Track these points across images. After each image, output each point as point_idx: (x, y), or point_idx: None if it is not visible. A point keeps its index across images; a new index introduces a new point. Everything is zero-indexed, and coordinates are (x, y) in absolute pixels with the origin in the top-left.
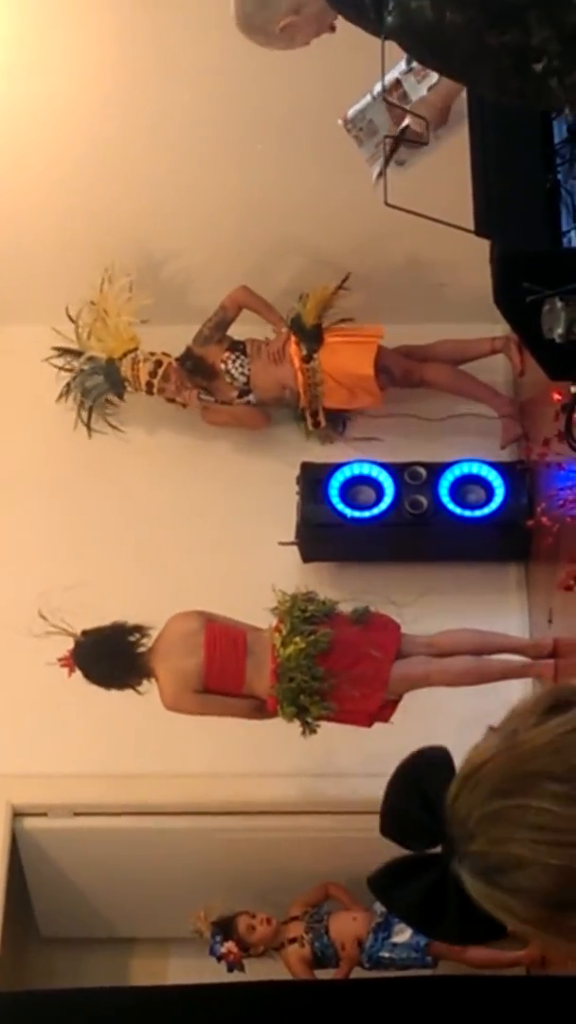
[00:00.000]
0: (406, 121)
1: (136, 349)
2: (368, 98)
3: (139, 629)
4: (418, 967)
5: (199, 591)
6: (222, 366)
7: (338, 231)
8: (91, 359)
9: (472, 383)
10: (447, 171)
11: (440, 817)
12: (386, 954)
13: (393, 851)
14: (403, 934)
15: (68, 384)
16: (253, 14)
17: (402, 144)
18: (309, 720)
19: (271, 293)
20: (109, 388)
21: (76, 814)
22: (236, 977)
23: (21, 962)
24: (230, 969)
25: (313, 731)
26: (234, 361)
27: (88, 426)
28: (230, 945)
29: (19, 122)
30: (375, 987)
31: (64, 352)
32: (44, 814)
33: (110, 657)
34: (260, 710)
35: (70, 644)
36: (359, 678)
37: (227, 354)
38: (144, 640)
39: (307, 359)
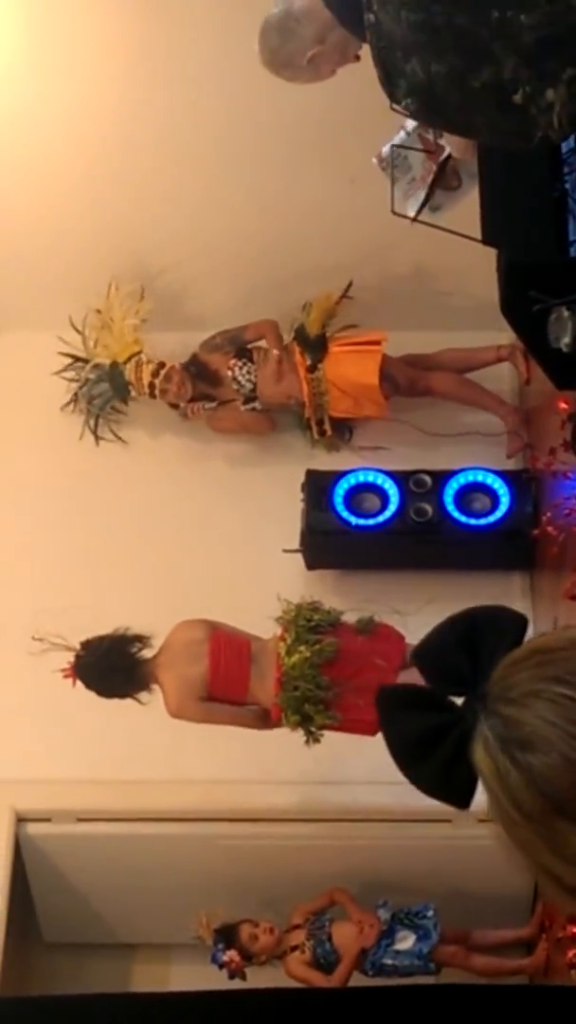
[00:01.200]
0: (447, 151)
1: (140, 352)
2: (402, 134)
3: (140, 639)
4: (421, 974)
5: (203, 598)
6: (228, 372)
7: (343, 240)
8: (96, 366)
9: (478, 392)
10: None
11: (479, 671)
12: (389, 961)
13: (394, 859)
14: (406, 941)
15: (75, 394)
16: (279, 48)
17: (437, 188)
18: (313, 729)
19: (275, 302)
20: (114, 394)
21: (80, 820)
22: (237, 985)
23: (24, 967)
24: (231, 977)
25: (317, 740)
26: (241, 368)
27: (95, 434)
28: (232, 954)
29: (24, 130)
30: (379, 995)
31: (72, 360)
32: (48, 819)
33: (110, 670)
34: (264, 719)
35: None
36: (363, 687)
37: (233, 361)
38: (145, 650)
39: (312, 369)
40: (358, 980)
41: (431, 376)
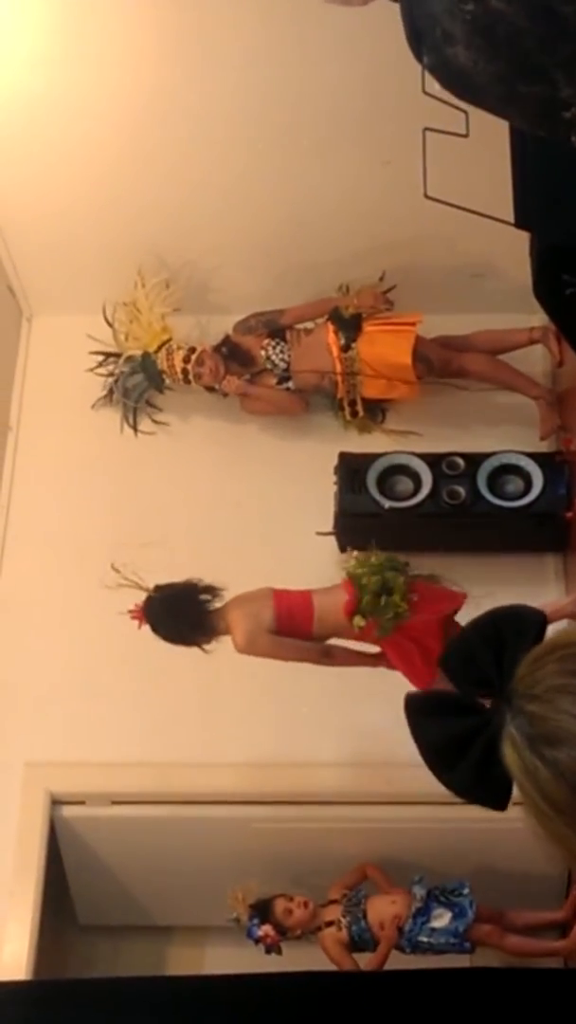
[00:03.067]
0: None
1: (170, 340)
2: None
3: (211, 589)
4: (456, 952)
5: (237, 581)
6: (262, 352)
7: (375, 223)
8: (129, 359)
9: (511, 373)
10: (486, 163)
11: (505, 671)
12: (424, 939)
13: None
14: (442, 919)
15: (110, 388)
16: None
17: None
18: (391, 614)
19: (308, 285)
20: (149, 384)
21: (114, 802)
22: (274, 961)
23: (60, 950)
24: (267, 951)
25: (388, 631)
26: (274, 347)
27: (135, 428)
28: (267, 928)
29: (55, 116)
30: (413, 978)
31: (104, 356)
32: (82, 802)
33: (180, 613)
34: (328, 654)
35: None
36: (432, 616)
37: (267, 340)
38: (215, 600)
39: (345, 348)
40: (394, 958)
41: (464, 357)
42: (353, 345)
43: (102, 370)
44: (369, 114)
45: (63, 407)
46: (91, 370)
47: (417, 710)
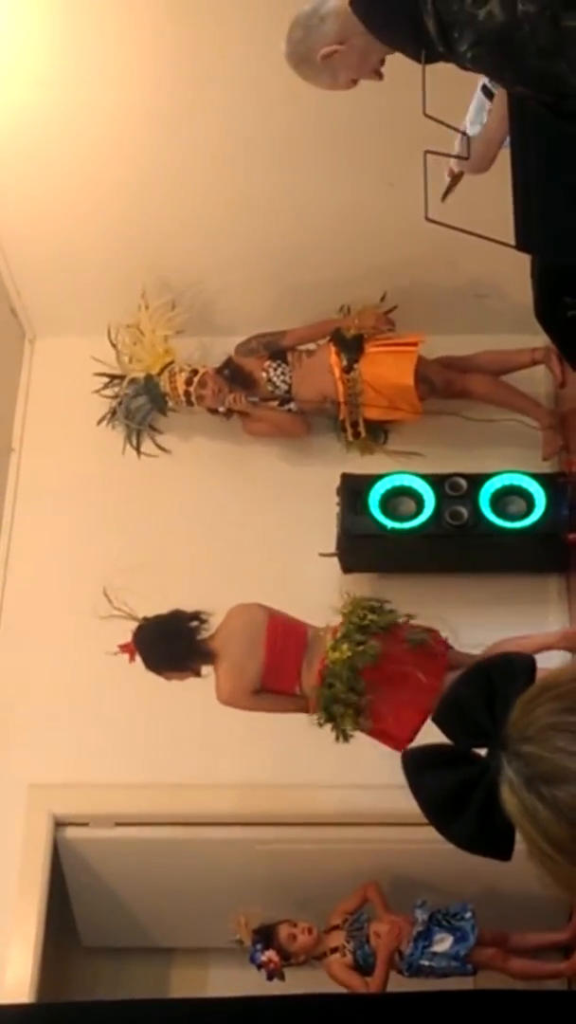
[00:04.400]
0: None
1: (172, 362)
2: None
3: (198, 616)
4: (458, 975)
5: (240, 602)
6: (263, 375)
7: (377, 244)
8: (132, 381)
9: (513, 394)
10: (488, 184)
11: (498, 719)
12: (426, 962)
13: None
14: (444, 943)
15: (113, 410)
16: (299, 42)
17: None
18: (343, 728)
19: (310, 306)
20: (152, 406)
21: (117, 824)
22: (276, 986)
23: (63, 971)
24: (270, 978)
25: (346, 739)
26: (275, 369)
27: (137, 449)
28: (271, 954)
29: (56, 136)
30: (417, 1000)
31: (109, 378)
32: (86, 824)
33: (169, 640)
34: (308, 709)
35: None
36: (398, 701)
37: (268, 363)
38: (204, 626)
39: (347, 369)
40: (395, 981)
41: (467, 378)
42: (355, 366)
43: (107, 392)
44: (373, 135)
45: (65, 428)
46: (97, 392)
47: (414, 766)
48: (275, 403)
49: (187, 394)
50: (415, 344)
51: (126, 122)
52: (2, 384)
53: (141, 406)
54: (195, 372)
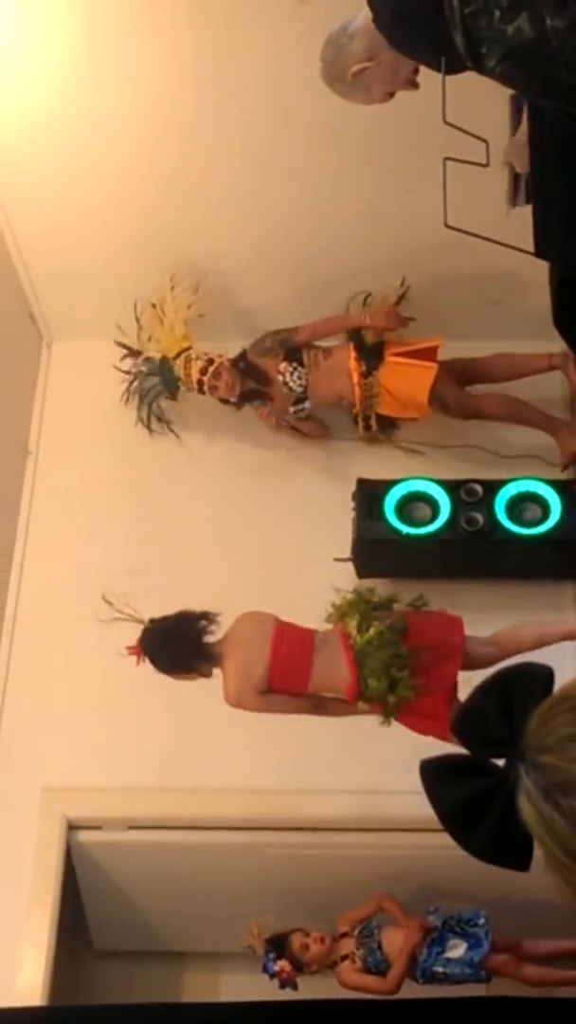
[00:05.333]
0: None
1: (190, 348)
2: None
3: (206, 616)
4: (472, 982)
5: (253, 607)
6: (279, 376)
7: (394, 248)
8: (148, 359)
9: (528, 410)
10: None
11: (516, 728)
12: (440, 969)
13: (445, 868)
14: (457, 949)
15: (128, 386)
16: (332, 62)
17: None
18: (394, 699)
19: (326, 309)
20: (163, 388)
21: (130, 827)
22: (289, 995)
23: (75, 975)
24: (282, 987)
25: (392, 715)
26: (292, 373)
27: (148, 426)
28: (283, 963)
29: (77, 141)
30: (432, 1007)
31: (127, 351)
32: (99, 827)
33: (175, 643)
34: (319, 707)
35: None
36: (430, 674)
37: (284, 364)
38: (212, 627)
39: (366, 375)
40: (408, 988)
41: (481, 399)
42: (374, 373)
43: (124, 364)
44: (391, 141)
45: (83, 432)
46: (114, 367)
47: (432, 776)
48: (289, 404)
49: (200, 383)
50: (435, 358)
51: (145, 127)
52: (20, 388)
53: (154, 386)
54: (211, 362)
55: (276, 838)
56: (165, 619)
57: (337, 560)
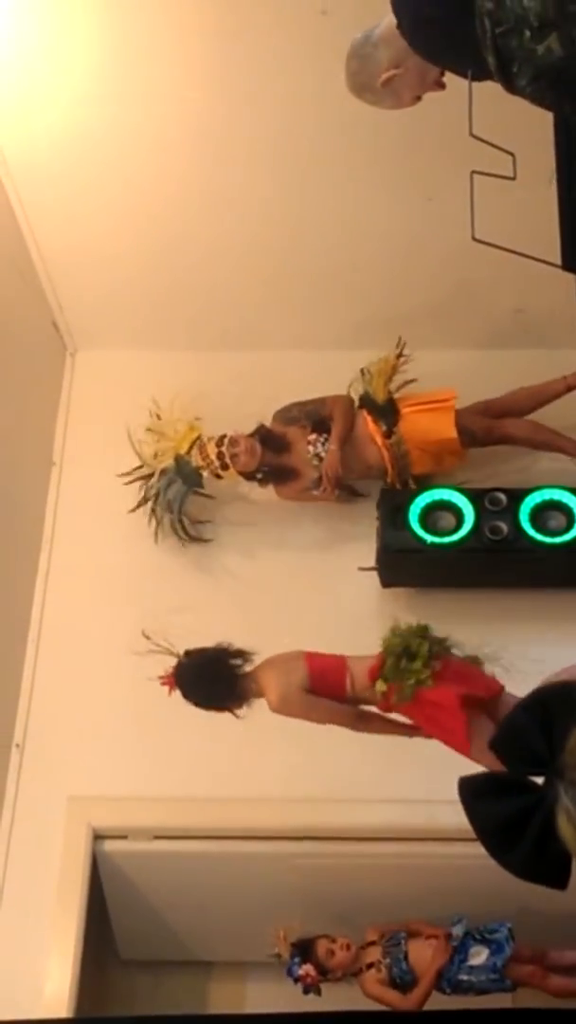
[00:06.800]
0: None
1: (199, 436)
2: None
3: (242, 654)
4: (497, 991)
5: (279, 616)
6: (309, 448)
7: (419, 256)
8: (163, 472)
9: (553, 436)
10: (533, 203)
11: (555, 747)
12: (464, 977)
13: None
14: (479, 956)
15: (152, 508)
16: (358, 72)
17: None
18: (413, 672)
19: (347, 322)
20: (188, 487)
21: (156, 837)
22: (313, 1002)
23: (101, 984)
24: (306, 992)
25: (408, 697)
26: (322, 444)
27: (187, 535)
28: (308, 968)
29: (102, 153)
30: (453, 1018)
31: (140, 479)
32: (124, 837)
33: (211, 679)
34: (362, 719)
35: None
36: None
37: (313, 436)
38: (245, 664)
39: (388, 435)
40: (435, 999)
41: (505, 424)
42: (395, 429)
43: (135, 475)
44: (414, 150)
45: (106, 441)
46: (124, 479)
47: (471, 793)
48: (314, 474)
49: (220, 456)
50: (449, 400)
51: (168, 140)
52: (44, 397)
53: (178, 491)
54: (224, 436)
55: (302, 848)
56: (201, 653)
57: (361, 569)
